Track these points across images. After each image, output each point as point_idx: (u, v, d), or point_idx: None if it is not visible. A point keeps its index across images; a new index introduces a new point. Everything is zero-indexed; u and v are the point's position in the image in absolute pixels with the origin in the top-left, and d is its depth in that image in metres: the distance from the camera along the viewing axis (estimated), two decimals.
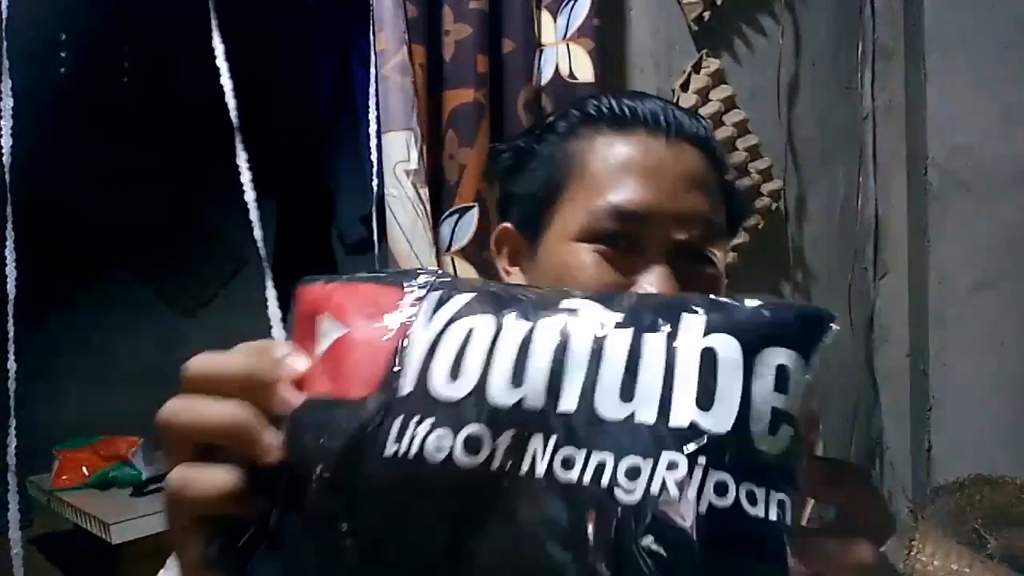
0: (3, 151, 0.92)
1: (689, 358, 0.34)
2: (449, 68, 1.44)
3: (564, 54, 1.55)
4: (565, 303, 0.37)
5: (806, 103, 2.19)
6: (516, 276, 0.70)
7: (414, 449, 0.34)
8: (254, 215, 0.64)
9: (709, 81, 1.86)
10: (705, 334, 0.34)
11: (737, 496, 0.32)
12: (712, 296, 0.37)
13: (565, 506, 0.32)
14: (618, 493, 0.32)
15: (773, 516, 0.32)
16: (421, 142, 1.37)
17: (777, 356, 0.34)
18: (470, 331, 0.36)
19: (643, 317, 0.35)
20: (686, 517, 0.31)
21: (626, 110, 0.65)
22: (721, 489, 0.32)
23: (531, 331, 0.36)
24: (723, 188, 0.68)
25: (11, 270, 0.92)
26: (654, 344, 0.34)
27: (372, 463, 0.34)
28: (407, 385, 0.36)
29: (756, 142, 1.94)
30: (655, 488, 0.32)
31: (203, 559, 0.36)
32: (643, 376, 0.34)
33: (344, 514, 0.35)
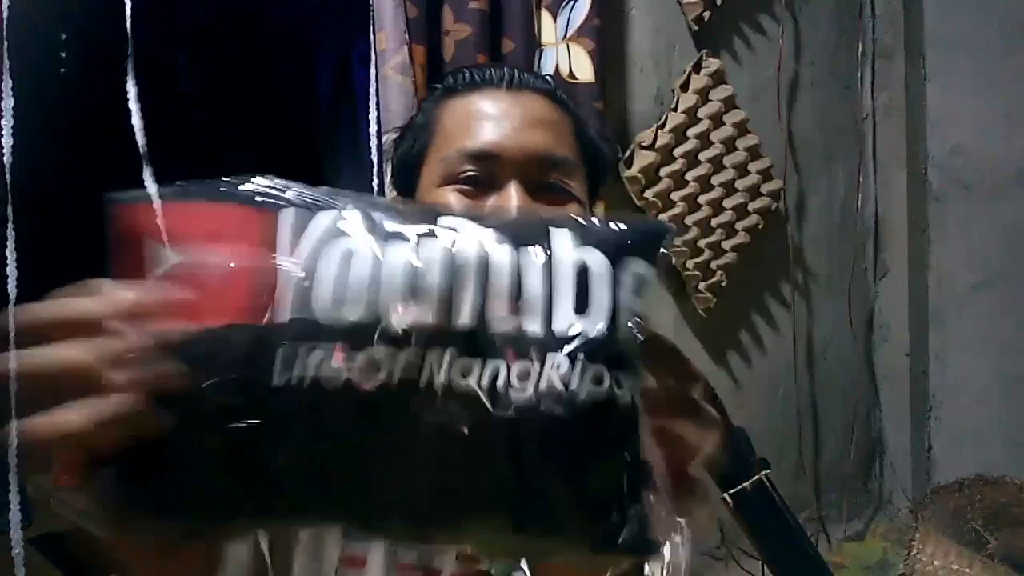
0: (4, 151, 0.92)
1: (565, 271, 0.38)
2: (449, 68, 1.44)
3: (564, 54, 1.55)
4: (444, 220, 0.39)
5: (806, 103, 2.19)
6: None
7: (308, 376, 0.35)
8: None
9: (709, 81, 1.86)
10: (574, 248, 0.39)
11: (610, 383, 0.37)
12: (570, 215, 0.41)
13: (465, 409, 0.36)
14: (512, 393, 0.36)
15: (631, 395, 0.38)
16: None
17: (634, 266, 0.40)
18: (350, 252, 0.37)
19: (518, 233, 0.39)
20: (571, 404, 0.36)
21: (476, 74, 0.73)
22: (597, 379, 0.37)
23: (416, 249, 0.38)
24: (575, 131, 0.73)
25: (12, 270, 0.92)
26: (533, 259, 0.38)
27: (258, 395, 0.35)
28: (284, 312, 0.36)
29: (756, 142, 1.94)
30: (544, 385, 0.36)
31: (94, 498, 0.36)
32: (527, 289, 0.38)
33: (238, 444, 0.35)
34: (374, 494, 0.37)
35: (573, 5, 1.55)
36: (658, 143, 1.78)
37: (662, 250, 0.41)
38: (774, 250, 2.12)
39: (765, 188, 1.98)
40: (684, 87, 1.85)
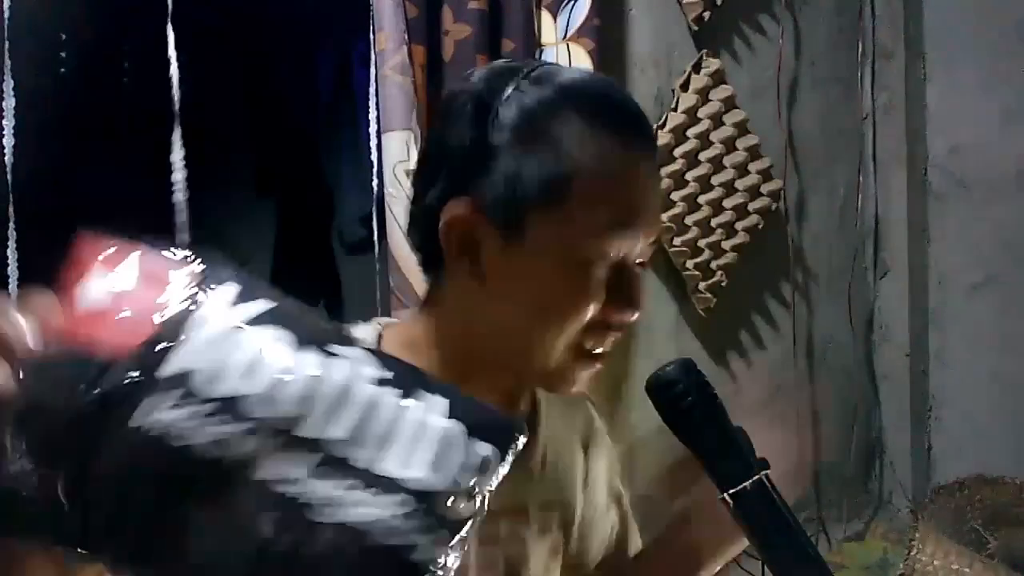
0: (5, 151, 0.92)
1: (432, 430, 0.42)
2: (449, 68, 1.44)
3: (564, 54, 1.55)
4: (343, 351, 0.42)
5: (806, 103, 2.19)
6: (462, 274, 0.62)
7: (155, 432, 0.37)
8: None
9: (709, 81, 1.86)
10: (445, 416, 0.43)
11: (418, 542, 0.39)
12: (455, 387, 0.45)
13: (271, 513, 0.38)
14: (329, 511, 0.38)
15: (448, 561, 0.40)
16: (421, 142, 1.37)
17: (484, 448, 0.43)
18: (259, 349, 0.40)
19: (403, 383, 0.43)
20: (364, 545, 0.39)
21: (631, 120, 0.62)
22: (426, 530, 0.40)
23: (311, 365, 0.41)
24: None
25: (12, 270, 0.92)
26: (411, 415, 0.42)
27: (112, 429, 0.37)
28: (169, 367, 0.38)
29: (756, 142, 1.94)
30: (354, 516, 0.39)
31: None
32: (397, 435, 0.41)
33: (72, 467, 0.37)
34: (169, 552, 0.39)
35: (573, 5, 1.55)
36: (658, 143, 1.78)
37: (515, 445, 0.44)
38: (774, 250, 2.12)
39: (765, 188, 1.98)
40: (684, 87, 1.85)
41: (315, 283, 2.95)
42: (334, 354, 0.42)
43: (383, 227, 1.43)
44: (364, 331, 0.70)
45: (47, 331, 0.39)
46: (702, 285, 1.90)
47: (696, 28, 1.88)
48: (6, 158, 0.93)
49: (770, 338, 2.14)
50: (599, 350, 0.65)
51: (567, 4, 1.55)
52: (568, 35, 1.55)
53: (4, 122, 0.91)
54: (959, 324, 2.23)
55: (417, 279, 1.37)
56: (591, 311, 0.61)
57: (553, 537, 0.75)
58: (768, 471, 0.65)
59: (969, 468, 2.06)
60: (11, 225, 0.98)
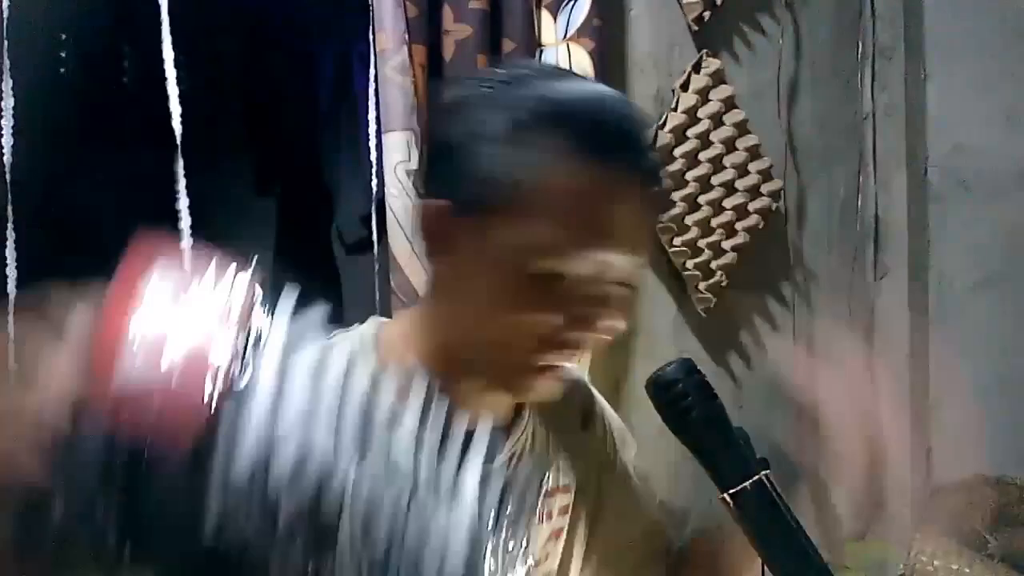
0: (4, 151, 0.92)
1: None
2: (450, 68, 1.44)
3: (564, 54, 1.55)
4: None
5: (806, 103, 2.19)
6: (438, 271, 0.67)
7: (235, 547, 0.39)
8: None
9: (709, 81, 1.86)
10: None
11: None
12: None
13: None
14: None
15: None
16: (421, 142, 1.37)
17: None
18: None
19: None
20: None
21: (621, 151, 0.60)
22: None
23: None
24: None
25: (11, 270, 0.92)
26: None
27: (186, 540, 0.39)
28: (241, 469, 0.39)
29: (756, 142, 1.94)
30: None
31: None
32: None
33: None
34: None
35: (573, 5, 1.55)
36: (658, 143, 1.78)
37: None
38: (774, 250, 2.12)
39: (765, 188, 1.98)
40: (684, 87, 1.85)
41: (315, 283, 2.95)
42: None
43: (383, 227, 1.43)
44: (363, 330, 0.71)
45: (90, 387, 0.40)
46: (702, 285, 1.90)
47: (696, 28, 1.88)
48: (5, 158, 0.93)
49: (770, 338, 2.14)
50: (553, 363, 0.64)
51: (567, 4, 1.55)
52: (568, 35, 1.55)
53: (3, 122, 0.91)
54: (959, 324, 2.23)
55: (417, 279, 1.37)
56: (540, 323, 0.61)
57: (554, 523, 0.75)
58: (768, 471, 0.65)
59: (969, 468, 2.06)
60: (9, 225, 0.98)
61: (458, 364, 0.66)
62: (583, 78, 0.67)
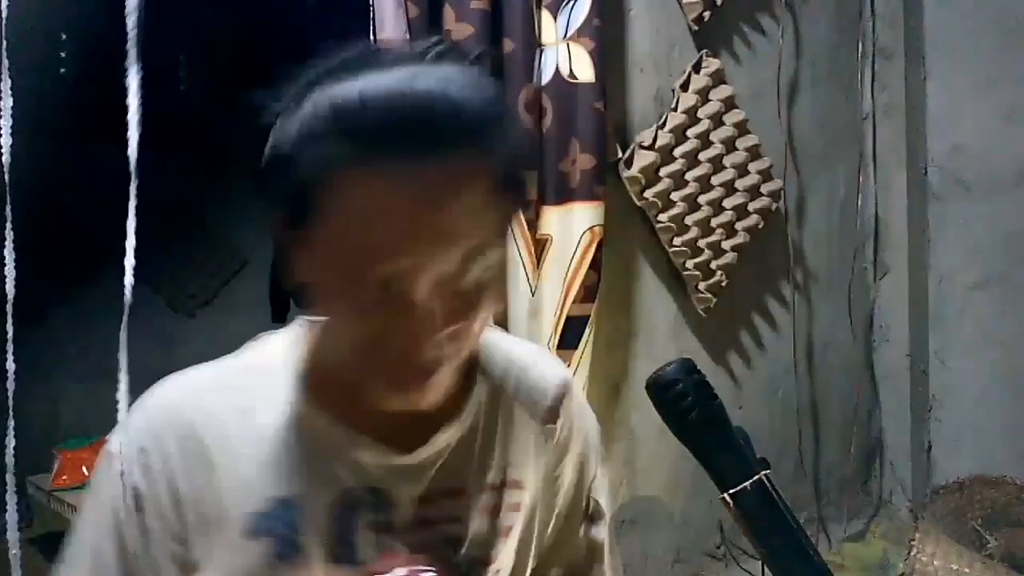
0: (2, 151, 0.92)
1: None
2: None
3: (564, 54, 1.55)
4: None
5: (806, 103, 2.19)
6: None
7: None
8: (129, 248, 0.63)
9: (709, 81, 1.86)
10: None
11: None
12: None
13: None
14: None
15: None
16: None
17: None
18: None
19: None
20: None
21: (386, 136, 0.54)
22: None
23: None
24: (494, 176, 0.57)
25: (10, 270, 0.92)
26: None
27: None
28: None
29: (756, 142, 1.94)
30: None
31: None
32: None
33: None
34: None
35: (573, 5, 1.55)
36: (658, 143, 1.78)
37: None
38: (774, 250, 2.12)
39: (765, 188, 1.98)
40: (684, 87, 1.85)
41: None
42: None
43: None
44: (288, 330, 0.71)
45: None
46: (702, 285, 1.90)
47: (696, 28, 1.88)
48: (4, 158, 0.93)
49: (770, 338, 2.14)
50: (422, 368, 0.60)
51: (567, 4, 1.55)
52: (568, 35, 1.55)
53: (2, 122, 0.91)
54: (959, 324, 2.23)
55: None
56: (387, 329, 0.58)
57: (501, 519, 0.73)
58: (768, 471, 0.65)
59: (969, 468, 2.06)
60: (8, 225, 0.98)
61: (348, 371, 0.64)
62: (405, 65, 0.59)
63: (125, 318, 0.66)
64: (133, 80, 0.55)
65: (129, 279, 0.61)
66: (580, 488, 0.80)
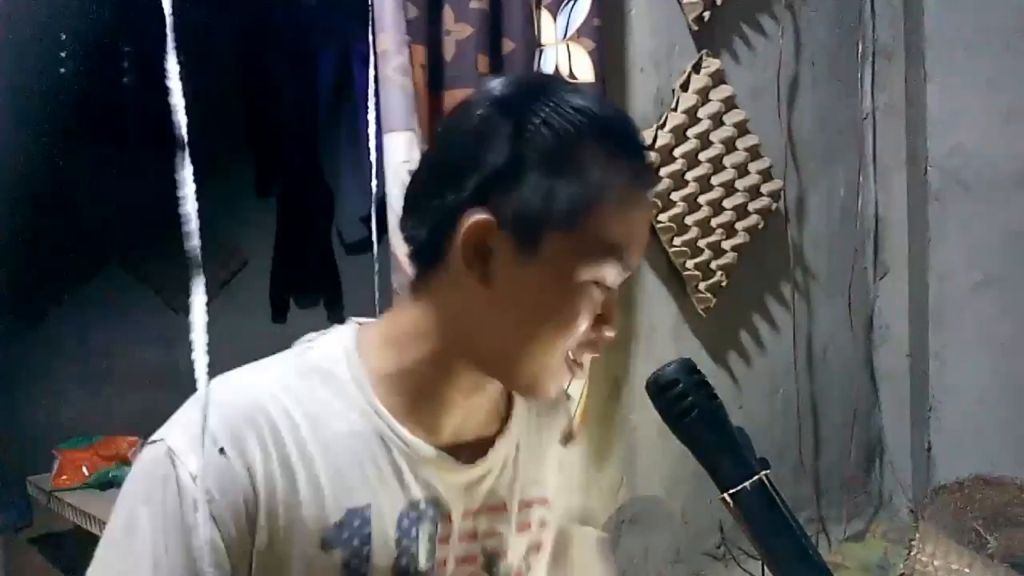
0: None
1: None
2: (450, 68, 1.44)
3: (564, 54, 1.55)
4: None
5: (806, 103, 2.19)
6: (467, 276, 0.64)
7: None
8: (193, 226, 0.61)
9: (709, 81, 1.86)
10: None
11: None
12: None
13: None
14: None
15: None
16: (421, 142, 1.37)
17: None
18: None
19: None
20: None
21: (640, 156, 0.66)
22: None
23: None
24: None
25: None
26: None
27: None
28: None
29: (756, 142, 1.94)
30: None
31: None
32: None
33: None
34: None
35: (573, 5, 1.55)
36: (658, 143, 1.78)
37: None
38: (774, 250, 2.12)
39: (765, 188, 1.98)
40: (684, 87, 1.85)
41: (315, 283, 2.95)
42: None
43: (383, 227, 1.42)
44: (342, 332, 0.70)
45: None
46: (702, 285, 1.90)
47: (696, 28, 1.88)
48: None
49: (770, 338, 2.14)
50: (580, 363, 0.68)
51: (567, 4, 1.55)
52: (568, 35, 1.55)
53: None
54: (959, 324, 2.23)
55: None
56: (582, 329, 0.65)
57: (533, 534, 0.75)
58: (768, 471, 0.65)
59: (969, 468, 2.06)
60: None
61: (459, 368, 0.67)
62: (579, 86, 0.74)
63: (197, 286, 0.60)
64: (173, 67, 0.56)
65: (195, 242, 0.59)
66: (582, 511, 0.83)
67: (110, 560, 0.60)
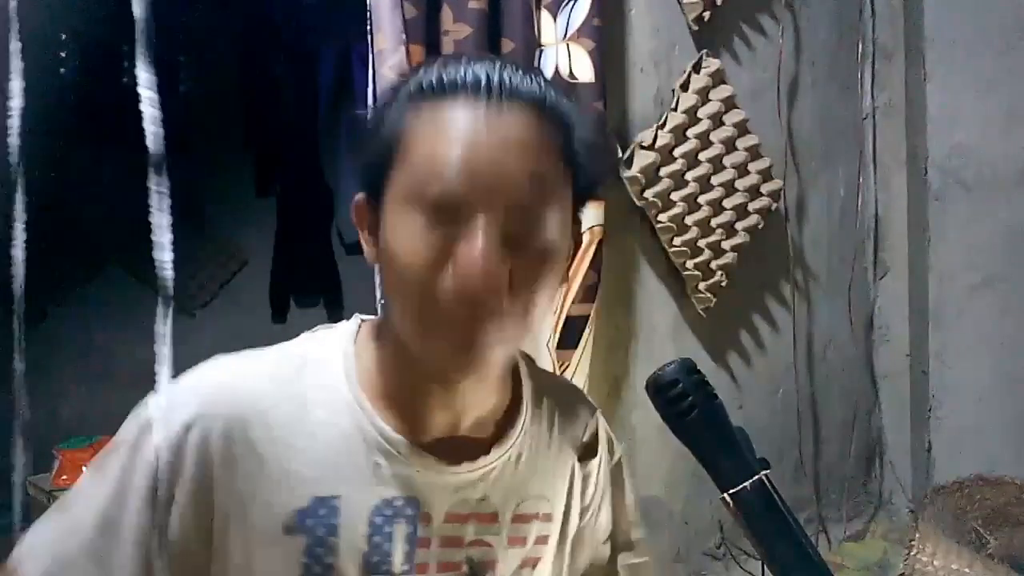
0: (12, 152, 0.92)
1: None
2: None
3: (564, 54, 1.55)
4: None
5: (806, 103, 2.19)
6: (371, 246, 0.68)
7: None
8: (163, 240, 0.60)
9: (709, 81, 1.86)
10: None
11: None
12: None
13: None
14: None
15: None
16: None
17: None
18: None
19: None
20: None
21: (448, 77, 0.62)
22: None
23: None
24: (564, 144, 0.64)
25: (19, 270, 0.92)
26: None
27: None
28: None
29: (756, 142, 1.94)
30: None
31: None
32: None
33: None
34: None
35: (573, 5, 1.55)
36: (658, 143, 1.78)
37: None
38: (774, 250, 2.12)
39: (765, 188, 1.98)
40: (684, 87, 1.85)
41: (315, 283, 2.95)
42: None
43: None
44: (344, 327, 0.72)
45: None
46: (702, 285, 1.90)
47: (696, 28, 1.88)
48: (12, 158, 0.93)
49: (770, 338, 2.14)
50: (457, 320, 0.60)
51: (567, 4, 1.55)
52: (568, 35, 1.55)
53: (12, 123, 0.91)
54: (959, 324, 2.23)
55: None
56: (433, 268, 0.60)
57: (528, 550, 0.73)
58: (768, 471, 0.65)
59: (969, 468, 2.06)
60: (17, 225, 0.98)
61: (411, 361, 0.65)
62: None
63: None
64: (145, 76, 0.55)
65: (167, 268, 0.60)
66: (617, 523, 0.81)
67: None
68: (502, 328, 0.60)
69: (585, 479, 0.78)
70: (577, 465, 0.77)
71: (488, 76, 0.62)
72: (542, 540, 0.74)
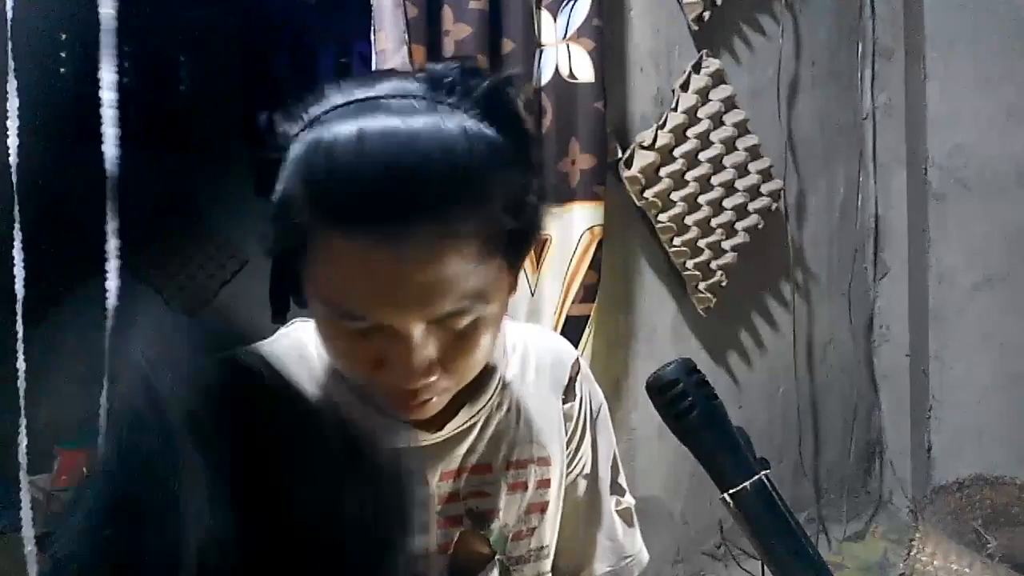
0: (10, 151, 0.92)
1: None
2: None
3: (564, 54, 1.55)
4: None
5: (806, 103, 2.19)
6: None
7: None
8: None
9: (709, 81, 1.86)
10: None
11: None
12: None
13: None
14: None
15: None
16: None
17: None
18: None
19: None
20: None
21: (347, 215, 0.54)
22: None
23: None
24: (488, 214, 0.56)
25: (19, 270, 0.92)
26: None
27: None
28: None
29: (756, 142, 1.94)
30: None
31: None
32: None
33: None
34: None
35: (573, 5, 1.55)
36: (658, 143, 1.78)
37: None
38: (774, 250, 2.12)
39: (765, 188, 1.98)
40: (684, 87, 1.85)
41: None
42: None
43: None
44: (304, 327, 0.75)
45: None
46: (702, 285, 1.90)
47: (696, 28, 1.88)
48: (11, 159, 0.94)
49: (770, 338, 2.14)
50: (397, 395, 0.61)
51: (567, 4, 1.55)
52: (568, 35, 1.55)
53: (9, 123, 0.92)
54: (959, 324, 2.23)
55: None
56: (363, 362, 0.59)
57: (532, 495, 0.74)
58: (768, 471, 0.65)
59: (969, 468, 2.06)
60: (16, 225, 0.98)
61: None
62: (378, 109, 0.60)
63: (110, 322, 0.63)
64: (107, 75, 0.55)
65: (114, 281, 0.60)
66: (595, 464, 0.83)
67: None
68: (447, 384, 0.62)
69: (569, 421, 0.80)
70: (563, 409, 0.79)
71: (386, 200, 0.53)
72: (544, 483, 0.75)
